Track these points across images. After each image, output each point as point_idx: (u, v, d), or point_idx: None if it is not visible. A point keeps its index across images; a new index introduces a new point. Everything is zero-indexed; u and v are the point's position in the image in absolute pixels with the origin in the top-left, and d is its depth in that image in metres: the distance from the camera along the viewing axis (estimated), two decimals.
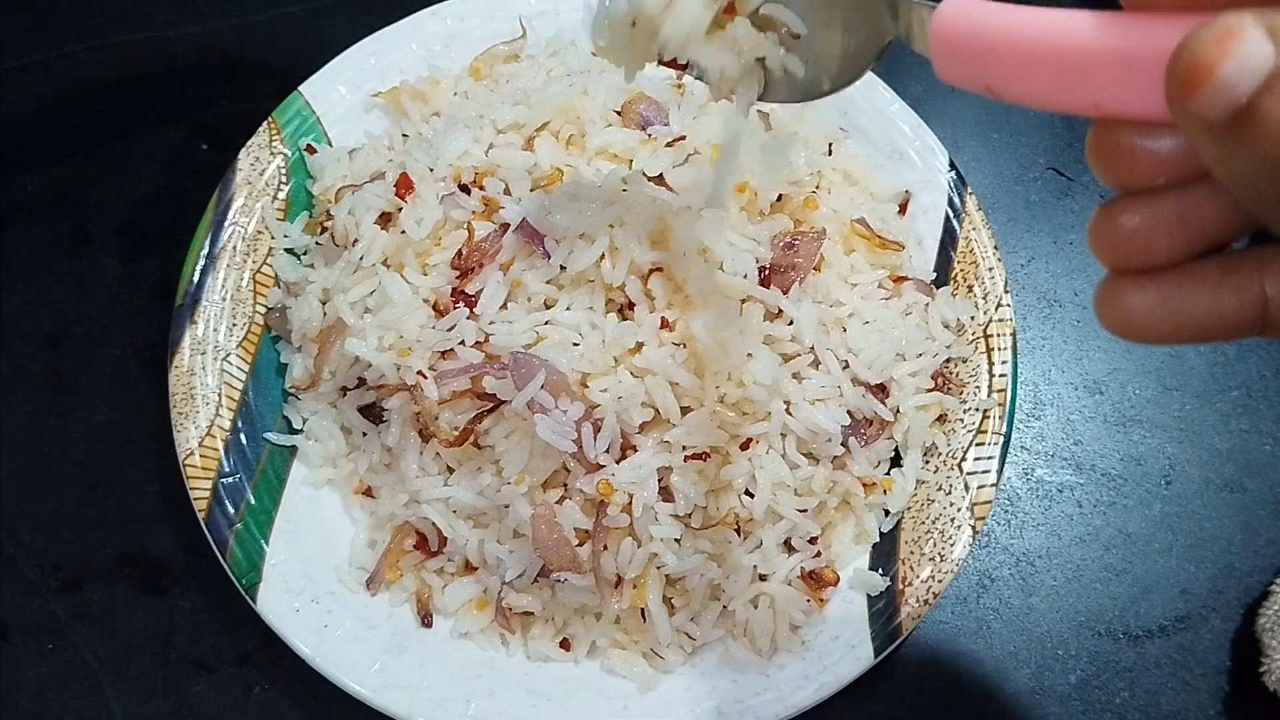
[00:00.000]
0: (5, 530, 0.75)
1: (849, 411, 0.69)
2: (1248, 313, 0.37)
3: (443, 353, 0.67)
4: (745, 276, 0.66)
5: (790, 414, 0.67)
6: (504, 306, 0.67)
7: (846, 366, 0.70)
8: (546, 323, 0.66)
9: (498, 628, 0.69)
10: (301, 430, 0.74)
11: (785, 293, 0.68)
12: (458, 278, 0.68)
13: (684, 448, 0.65)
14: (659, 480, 0.65)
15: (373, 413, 0.72)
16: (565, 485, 0.66)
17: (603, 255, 0.66)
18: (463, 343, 0.66)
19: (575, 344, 0.65)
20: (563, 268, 0.66)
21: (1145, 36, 0.34)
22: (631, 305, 0.66)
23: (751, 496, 0.67)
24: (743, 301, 0.67)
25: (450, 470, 0.69)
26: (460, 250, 0.68)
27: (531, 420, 0.63)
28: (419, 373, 0.66)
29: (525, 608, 0.68)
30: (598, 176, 0.70)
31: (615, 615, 0.67)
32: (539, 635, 0.69)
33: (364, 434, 0.73)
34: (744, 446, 0.66)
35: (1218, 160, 0.32)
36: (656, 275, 0.66)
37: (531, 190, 0.69)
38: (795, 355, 0.68)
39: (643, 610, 0.67)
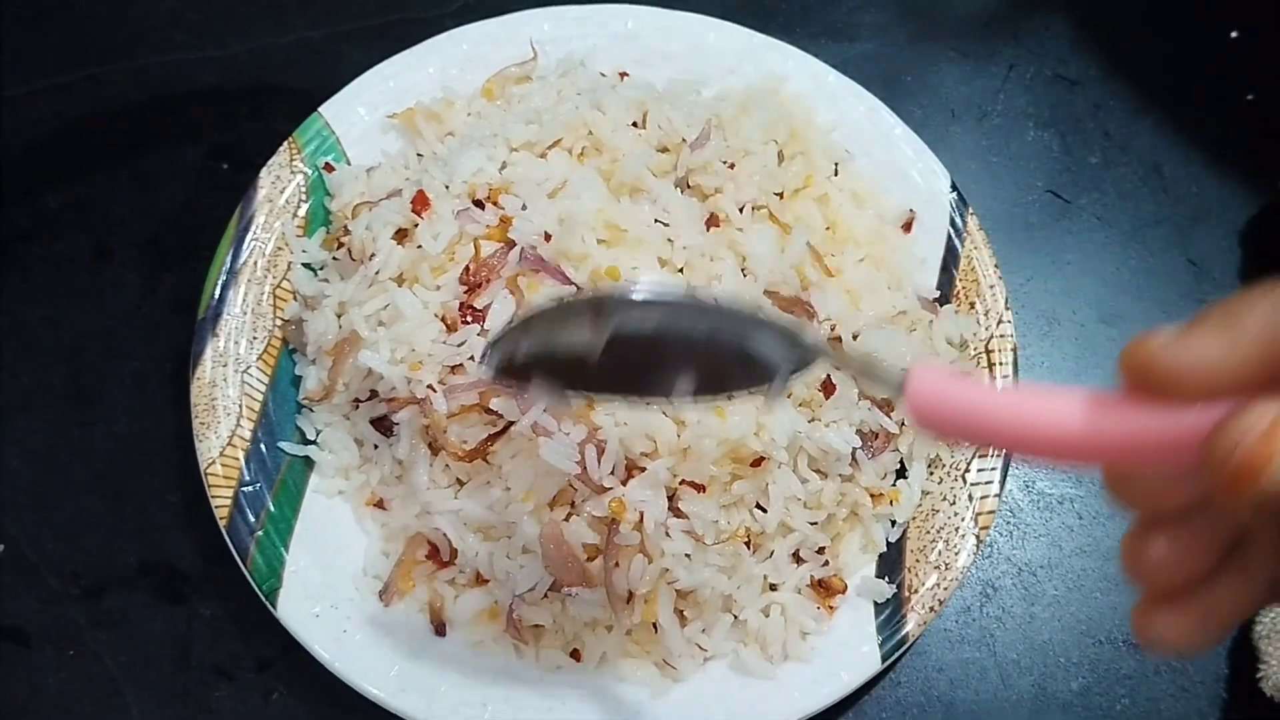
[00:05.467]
0: (27, 539, 0.76)
1: (857, 429, 0.71)
2: (1263, 589, 0.38)
3: (452, 367, 0.68)
4: None
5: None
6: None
7: None
8: None
9: (509, 637, 0.70)
10: (315, 441, 0.75)
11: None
12: (466, 292, 0.70)
13: (681, 479, 0.66)
14: (670, 498, 0.66)
15: (384, 425, 0.73)
16: (573, 503, 0.67)
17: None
18: (472, 358, 0.68)
19: None
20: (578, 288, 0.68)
21: (1149, 421, 0.35)
22: None
23: (764, 511, 0.69)
24: None
25: (460, 483, 0.70)
26: (468, 266, 0.70)
27: (536, 441, 0.65)
28: (429, 386, 0.67)
29: (536, 620, 0.69)
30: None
31: (627, 628, 0.69)
32: (550, 645, 0.70)
33: (375, 446, 0.74)
34: (755, 464, 0.68)
35: None
36: None
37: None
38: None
39: (654, 623, 0.68)
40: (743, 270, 0.71)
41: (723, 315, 0.47)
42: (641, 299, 0.48)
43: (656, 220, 0.72)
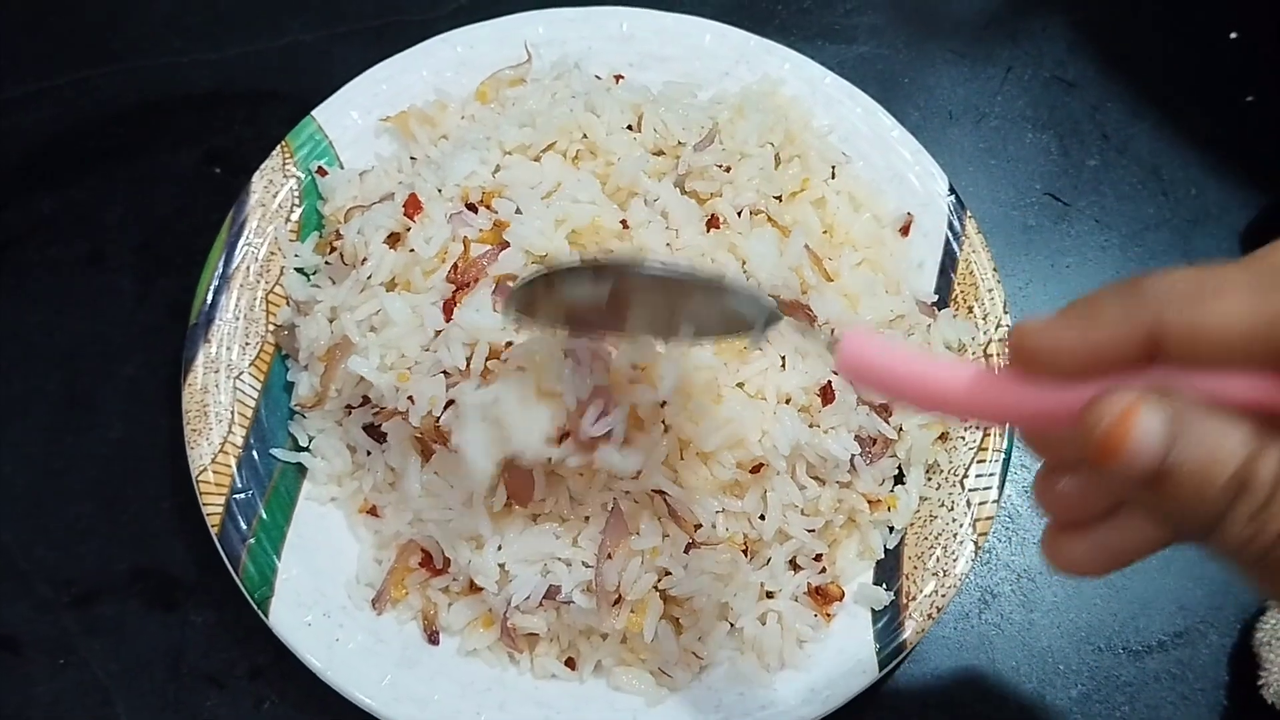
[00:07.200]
0: (19, 546, 0.75)
1: (855, 435, 0.70)
2: (1162, 533, 0.42)
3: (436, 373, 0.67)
4: None
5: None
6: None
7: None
8: None
9: (504, 646, 0.70)
10: (308, 448, 0.75)
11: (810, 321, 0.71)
12: (453, 291, 0.69)
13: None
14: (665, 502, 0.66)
15: (377, 431, 0.72)
16: None
17: None
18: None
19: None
20: None
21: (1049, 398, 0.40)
22: None
23: (761, 519, 0.68)
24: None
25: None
26: (455, 263, 0.70)
27: None
28: (409, 397, 0.67)
29: (531, 629, 0.69)
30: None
31: (621, 635, 0.68)
32: (544, 653, 0.70)
33: (368, 453, 0.73)
34: (754, 470, 0.67)
35: (1147, 503, 0.39)
36: None
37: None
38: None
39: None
40: (744, 273, 0.71)
41: (704, 281, 0.55)
42: (637, 271, 0.56)
43: (653, 222, 0.71)
